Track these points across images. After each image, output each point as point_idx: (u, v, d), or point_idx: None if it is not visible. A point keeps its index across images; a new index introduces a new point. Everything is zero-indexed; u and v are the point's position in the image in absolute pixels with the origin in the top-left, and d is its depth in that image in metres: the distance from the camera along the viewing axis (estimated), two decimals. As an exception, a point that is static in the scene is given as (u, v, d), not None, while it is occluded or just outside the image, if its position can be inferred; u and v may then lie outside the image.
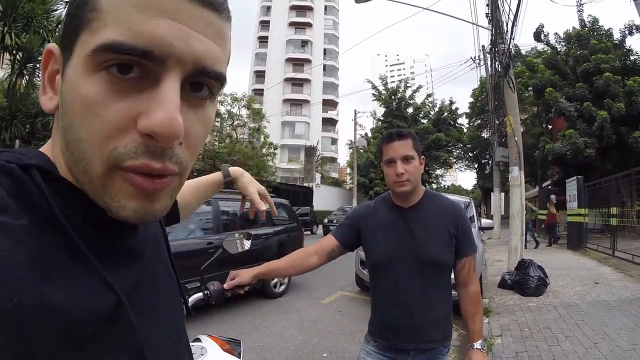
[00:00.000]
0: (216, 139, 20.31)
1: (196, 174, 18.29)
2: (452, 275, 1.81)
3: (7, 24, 12.88)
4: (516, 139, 8.99)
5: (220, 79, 0.47)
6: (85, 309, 0.42)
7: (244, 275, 1.60)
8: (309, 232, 22.66)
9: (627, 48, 19.29)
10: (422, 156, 1.77)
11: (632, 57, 19.00)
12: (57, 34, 14.99)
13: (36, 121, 13.15)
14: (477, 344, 1.76)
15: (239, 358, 1.64)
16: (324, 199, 32.60)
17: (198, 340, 1.65)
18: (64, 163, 0.47)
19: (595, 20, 20.72)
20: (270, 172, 23.58)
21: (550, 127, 23.32)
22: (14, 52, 13.62)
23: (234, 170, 1.26)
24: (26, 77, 14.22)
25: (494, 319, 5.62)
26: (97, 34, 0.40)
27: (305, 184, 31.92)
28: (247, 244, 1.69)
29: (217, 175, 1.22)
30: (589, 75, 18.38)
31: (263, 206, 1.24)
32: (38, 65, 14.17)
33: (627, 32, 19.24)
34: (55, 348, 0.38)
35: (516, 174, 8.86)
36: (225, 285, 1.57)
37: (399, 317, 1.71)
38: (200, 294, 1.47)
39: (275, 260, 1.82)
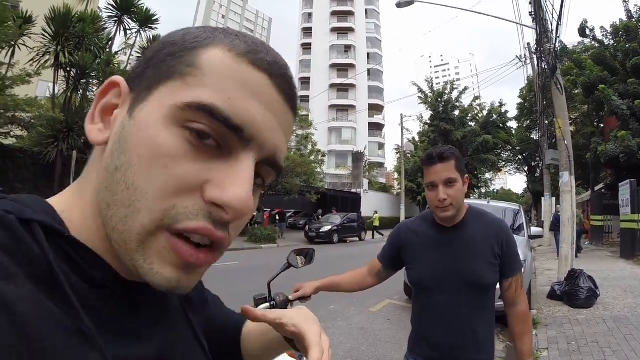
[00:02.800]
0: None
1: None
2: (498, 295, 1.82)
3: (60, 43, 13.88)
4: (566, 142, 8.78)
5: (279, 171, 0.49)
6: None
7: (307, 288, 1.71)
8: (356, 239, 22.82)
9: None
10: (466, 175, 1.74)
11: None
12: (108, 53, 15.96)
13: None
14: None
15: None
16: (372, 204, 32.72)
17: None
18: (90, 211, 0.44)
19: None
20: (319, 178, 23.97)
21: (602, 125, 22.20)
22: (68, 69, 14.62)
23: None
24: (80, 92, 15.33)
25: (542, 331, 5.66)
26: (193, 90, 0.41)
27: (353, 190, 32.16)
28: (307, 260, 1.83)
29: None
30: None
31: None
32: (91, 81, 15.19)
33: None
34: None
35: (566, 180, 8.67)
36: (290, 297, 1.61)
37: (443, 338, 1.70)
38: (267, 304, 1.52)
39: (336, 276, 1.94)
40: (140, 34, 16.98)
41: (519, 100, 35.00)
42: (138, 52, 17.89)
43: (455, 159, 1.66)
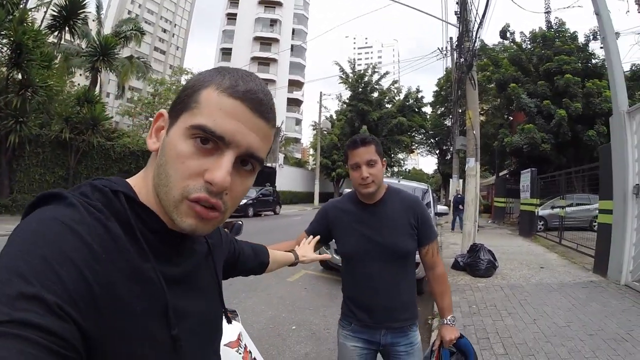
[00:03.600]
0: None
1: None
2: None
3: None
4: (474, 132, 9.42)
5: (259, 161, 0.71)
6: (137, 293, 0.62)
7: None
8: (271, 213, 22.61)
9: (590, 52, 20.27)
10: (384, 159, 1.93)
11: (593, 61, 20.03)
12: (22, 10, 14.43)
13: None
14: (447, 320, 1.96)
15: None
16: (287, 179, 32.65)
17: None
18: (150, 187, 0.70)
19: (562, 23, 21.75)
20: None
21: (510, 119, 24.23)
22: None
23: (300, 253, 1.67)
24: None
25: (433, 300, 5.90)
26: (195, 118, 0.65)
27: (269, 164, 31.79)
28: (234, 234, 1.85)
29: (289, 256, 1.59)
30: (551, 74, 19.36)
31: (327, 255, 1.85)
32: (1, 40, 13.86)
33: (591, 37, 20.10)
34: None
35: (472, 165, 9.32)
36: None
37: (373, 301, 1.89)
38: None
39: (272, 245, 1.97)
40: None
41: (436, 89, 36.95)
42: (54, 10, 16.63)
43: (375, 144, 1.86)
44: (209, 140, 0.65)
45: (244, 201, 19.14)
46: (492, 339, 4.29)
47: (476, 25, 9.87)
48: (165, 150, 0.67)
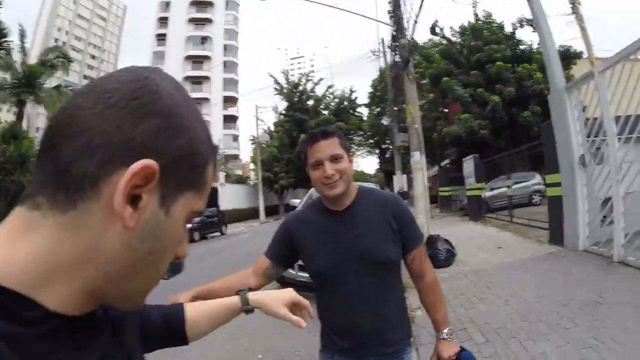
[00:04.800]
0: None
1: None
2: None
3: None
4: (416, 126, 9.47)
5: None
6: None
7: (182, 299, 1.41)
8: (218, 234, 21.83)
9: (518, 39, 21.58)
10: (351, 153, 1.64)
11: (521, 47, 21.33)
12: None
13: None
14: (444, 333, 1.65)
15: None
16: (230, 197, 31.66)
17: None
18: (52, 264, 0.45)
19: (489, 15, 23.00)
20: None
21: (446, 111, 25.00)
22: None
23: (255, 297, 1.12)
24: None
25: (412, 293, 5.66)
26: (199, 201, 0.55)
27: None
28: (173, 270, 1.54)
29: (233, 302, 1.08)
30: (483, 64, 20.34)
31: (302, 323, 1.09)
32: None
33: (518, 25, 21.33)
34: None
35: (418, 159, 9.33)
36: None
37: (356, 325, 1.58)
38: None
39: (213, 283, 1.62)
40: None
41: (371, 90, 37.88)
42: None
43: (339, 136, 1.59)
44: None
45: (188, 226, 18.31)
46: (469, 328, 4.10)
47: (412, 21, 10.06)
48: (165, 235, 0.51)
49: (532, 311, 4.24)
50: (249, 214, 33.80)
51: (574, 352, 3.25)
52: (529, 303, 4.51)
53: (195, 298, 1.44)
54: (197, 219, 19.21)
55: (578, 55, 19.98)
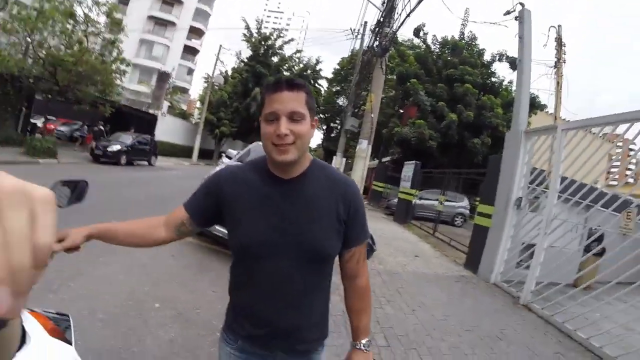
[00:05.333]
0: (64, 42, 16.86)
1: (32, 80, 15.32)
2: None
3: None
4: (372, 115, 9.51)
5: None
6: None
7: (75, 236, 1.20)
8: (146, 163, 20.80)
9: (492, 70, 22.56)
10: (316, 117, 1.36)
11: (492, 79, 22.38)
12: None
13: None
14: (362, 344, 1.49)
15: (70, 338, 1.12)
16: (168, 129, 30.12)
17: None
18: None
19: (473, 37, 23.57)
20: (117, 91, 20.49)
21: (402, 111, 25.34)
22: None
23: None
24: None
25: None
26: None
27: (151, 111, 29.24)
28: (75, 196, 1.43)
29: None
30: (452, 80, 20.93)
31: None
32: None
33: (497, 57, 22.28)
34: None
35: (364, 147, 9.43)
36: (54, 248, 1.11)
37: (272, 315, 1.36)
38: None
39: (117, 222, 1.37)
40: None
41: (337, 67, 37.79)
42: None
43: (307, 93, 1.29)
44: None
45: (117, 147, 17.28)
46: (373, 328, 4.06)
47: (404, 14, 9.79)
48: None
49: (437, 328, 4.37)
50: (183, 152, 32.48)
51: (469, 380, 3.36)
52: (435, 319, 4.64)
53: (90, 237, 1.25)
54: (128, 142, 18.80)
55: (542, 107, 21.25)
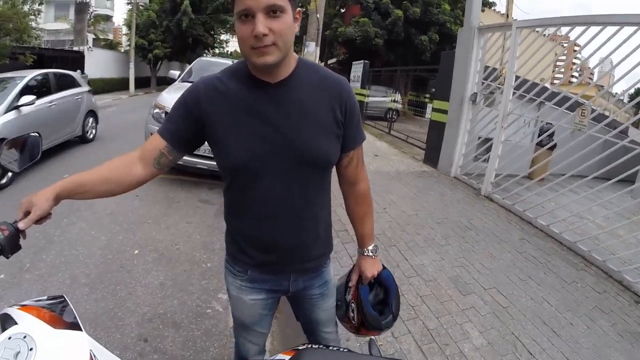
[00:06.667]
0: None
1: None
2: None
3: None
4: (318, 16, 9.21)
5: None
6: None
7: (41, 203, 1.06)
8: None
9: None
10: (299, 9, 1.15)
11: None
12: None
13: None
14: (368, 250, 1.52)
15: (76, 320, 1.01)
16: (98, 64, 27.34)
17: (10, 318, 0.97)
18: None
19: None
20: (34, 35, 18.05)
21: (343, 11, 24.59)
22: None
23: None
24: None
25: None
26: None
27: (75, 48, 26.45)
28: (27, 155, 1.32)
29: None
30: None
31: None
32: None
33: None
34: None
35: (312, 50, 9.29)
36: (19, 225, 1.05)
37: (278, 236, 1.29)
38: None
39: (82, 173, 1.18)
40: None
41: None
42: None
43: None
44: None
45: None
46: (350, 230, 4.00)
47: None
48: None
49: (410, 223, 4.63)
50: (118, 85, 29.74)
51: (449, 268, 3.66)
52: (407, 214, 4.89)
53: (58, 198, 1.11)
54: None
55: (491, 4, 20.80)
